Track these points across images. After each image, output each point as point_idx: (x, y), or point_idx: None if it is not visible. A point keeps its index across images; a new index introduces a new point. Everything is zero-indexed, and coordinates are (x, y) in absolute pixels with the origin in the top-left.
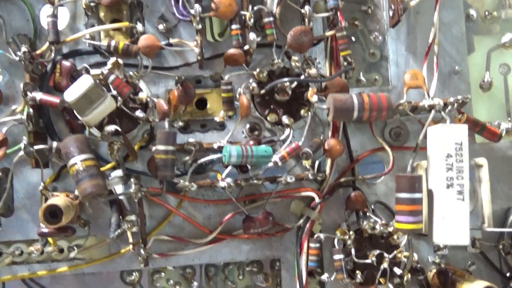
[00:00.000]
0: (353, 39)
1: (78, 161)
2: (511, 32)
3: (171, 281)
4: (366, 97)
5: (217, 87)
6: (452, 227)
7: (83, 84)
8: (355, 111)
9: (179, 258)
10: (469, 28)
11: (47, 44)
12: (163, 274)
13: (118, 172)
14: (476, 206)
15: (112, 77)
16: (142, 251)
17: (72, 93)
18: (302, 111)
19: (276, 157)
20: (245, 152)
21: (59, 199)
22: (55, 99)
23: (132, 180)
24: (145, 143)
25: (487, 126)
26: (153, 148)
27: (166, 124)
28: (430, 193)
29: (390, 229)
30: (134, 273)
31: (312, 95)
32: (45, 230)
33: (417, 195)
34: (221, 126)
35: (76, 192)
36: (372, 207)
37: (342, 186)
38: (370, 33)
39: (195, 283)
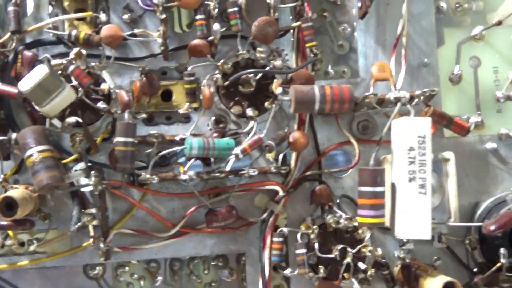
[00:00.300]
0: (322, 30)
1: (34, 152)
2: (482, 24)
3: (135, 276)
4: (328, 89)
5: (182, 78)
6: (413, 221)
7: (38, 73)
8: (317, 103)
9: (143, 252)
10: (439, 20)
11: (8, 33)
12: (127, 268)
13: (81, 165)
14: (442, 201)
15: (71, 67)
16: (101, 244)
17: (27, 83)
18: (266, 103)
19: (237, 150)
20: (206, 145)
21: (16, 191)
22: (13, 90)
23: (92, 172)
24: (108, 135)
25: (454, 120)
26: (114, 140)
27: (126, 115)
28: (393, 187)
29: (355, 223)
30: (97, 268)
31: (276, 87)
32: (3, 222)
33: (379, 189)
34: (187, 119)
35: None
36: (338, 201)
37: (307, 179)
38: (339, 25)
39: (160, 278)
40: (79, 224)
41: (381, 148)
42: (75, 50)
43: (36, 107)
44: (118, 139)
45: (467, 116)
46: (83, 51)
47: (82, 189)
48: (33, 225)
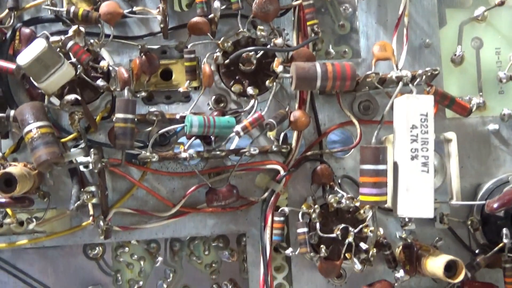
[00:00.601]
0: (323, 10)
1: (33, 128)
2: (484, 5)
3: (135, 256)
4: (329, 66)
5: (182, 57)
6: (416, 199)
7: (36, 47)
8: (318, 79)
9: (143, 232)
10: (441, 0)
11: (6, 10)
12: (127, 248)
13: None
14: (444, 182)
15: (70, 43)
16: (101, 223)
17: (25, 57)
18: (267, 82)
19: (238, 127)
20: (207, 122)
21: (15, 168)
22: (11, 65)
23: (92, 150)
24: (108, 113)
25: (456, 100)
26: (114, 118)
27: (126, 92)
28: (395, 166)
29: (357, 203)
30: (97, 248)
31: (277, 65)
32: (2, 200)
33: (381, 167)
34: (187, 98)
35: None
36: (339, 181)
37: (309, 159)
38: (340, 5)
39: (160, 258)
40: (78, 202)
41: (383, 129)
42: (74, 27)
43: (35, 83)
44: (118, 115)
45: (469, 97)
46: (82, 28)
47: (81, 168)
48: (32, 203)
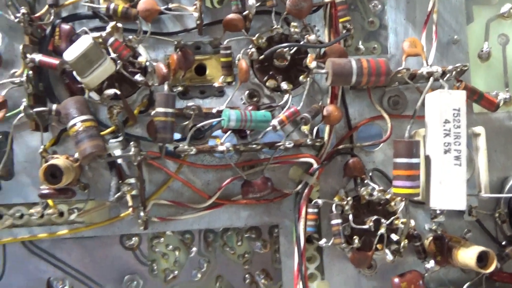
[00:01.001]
0: (353, 7)
1: (78, 122)
2: (510, 2)
3: (170, 247)
4: (365, 62)
5: (216, 53)
6: (449, 191)
7: (83, 43)
8: (354, 75)
9: (178, 223)
10: None
11: (46, 6)
12: (162, 239)
13: (118, 138)
14: (473, 175)
15: (111, 40)
16: (141, 213)
17: (72, 53)
18: (301, 77)
19: (275, 121)
20: (244, 116)
21: (59, 160)
22: (54, 61)
23: (131, 143)
24: (144, 107)
25: (484, 95)
26: (152, 112)
27: (166, 87)
28: (427, 159)
29: (388, 196)
30: (133, 238)
31: (311, 61)
32: (46, 191)
33: (414, 160)
34: (220, 92)
35: (76, 155)
36: (370, 174)
37: (340, 153)
38: (370, 2)
39: (194, 249)
40: (118, 194)
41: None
42: (112, 23)
43: (78, 78)
44: (159, 109)
45: (496, 93)
46: (119, 25)
47: (119, 161)
48: (74, 194)
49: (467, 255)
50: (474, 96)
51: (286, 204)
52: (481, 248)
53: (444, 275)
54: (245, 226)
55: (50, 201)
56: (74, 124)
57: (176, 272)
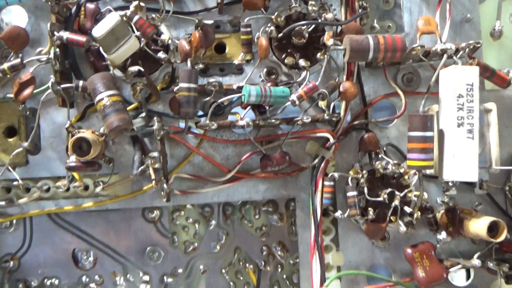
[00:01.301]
0: None
1: (105, 97)
2: None
3: (191, 219)
4: (381, 38)
5: (235, 32)
6: (462, 164)
7: (110, 20)
8: (371, 51)
9: (198, 196)
10: None
11: None
12: (182, 212)
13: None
14: (484, 150)
15: (136, 17)
16: (165, 185)
17: (101, 29)
18: (318, 55)
19: (293, 96)
20: (263, 92)
21: (87, 133)
22: (81, 38)
23: (155, 118)
24: (166, 85)
25: (496, 72)
26: (175, 88)
27: (188, 63)
28: (441, 133)
29: (401, 170)
30: (155, 211)
31: (328, 39)
32: (73, 164)
33: (428, 134)
34: (239, 70)
35: (102, 130)
36: (384, 149)
37: (355, 128)
38: None
39: (213, 222)
40: (141, 167)
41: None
42: (135, 2)
43: (104, 55)
44: (182, 85)
45: (507, 70)
46: (142, 4)
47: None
48: (100, 167)
49: (478, 226)
50: (486, 72)
51: (303, 178)
52: (492, 218)
53: (455, 246)
54: (263, 200)
55: (76, 175)
56: (101, 99)
57: (196, 244)
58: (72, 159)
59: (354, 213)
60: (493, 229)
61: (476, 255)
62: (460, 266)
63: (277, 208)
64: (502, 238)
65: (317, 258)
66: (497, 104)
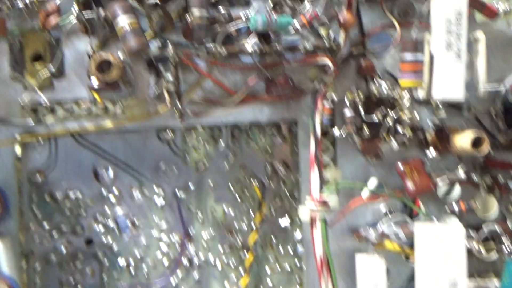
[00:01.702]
0: None
1: (124, 21)
2: None
3: (201, 140)
4: None
5: None
6: (449, 83)
7: None
8: None
9: (209, 118)
10: None
11: None
12: (194, 134)
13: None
14: (472, 78)
15: None
16: (179, 104)
17: None
18: None
19: (297, 24)
20: (269, 19)
21: (108, 55)
22: None
23: (169, 43)
24: (179, 16)
25: (486, 4)
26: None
27: None
28: (431, 58)
29: (396, 95)
30: (169, 132)
31: None
32: (96, 84)
33: (419, 56)
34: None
35: (120, 55)
36: (380, 74)
37: (353, 56)
38: None
39: (222, 143)
40: (158, 90)
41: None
42: None
43: None
44: (194, 10)
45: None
46: None
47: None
48: (120, 89)
49: (463, 139)
50: (476, 4)
51: (304, 102)
52: (475, 132)
53: (444, 166)
54: (268, 122)
55: (97, 96)
56: (121, 23)
57: (206, 162)
58: (95, 81)
59: (350, 129)
60: (477, 144)
61: (460, 165)
62: (446, 177)
63: (280, 130)
64: (485, 150)
65: (316, 172)
66: (486, 36)
